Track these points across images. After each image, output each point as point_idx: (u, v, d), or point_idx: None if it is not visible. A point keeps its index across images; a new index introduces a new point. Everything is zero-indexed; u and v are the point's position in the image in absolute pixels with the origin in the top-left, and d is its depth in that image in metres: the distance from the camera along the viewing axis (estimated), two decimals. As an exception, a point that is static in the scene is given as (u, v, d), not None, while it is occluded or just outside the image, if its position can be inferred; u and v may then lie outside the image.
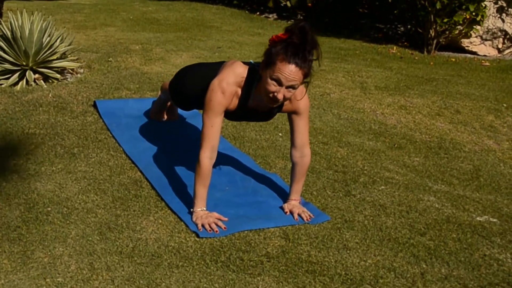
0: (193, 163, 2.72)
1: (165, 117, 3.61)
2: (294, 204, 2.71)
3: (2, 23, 4.32)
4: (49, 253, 2.15)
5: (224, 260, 2.22)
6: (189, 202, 2.60)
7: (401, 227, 2.63)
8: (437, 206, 2.90)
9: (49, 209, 2.48)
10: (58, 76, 4.42)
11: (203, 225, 2.44)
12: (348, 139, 3.76)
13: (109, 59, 5.17)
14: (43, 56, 4.30)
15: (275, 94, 2.31)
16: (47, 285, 1.96)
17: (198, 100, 2.66)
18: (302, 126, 2.62)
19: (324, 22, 8.33)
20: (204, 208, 2.53)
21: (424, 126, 4.15)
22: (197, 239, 2.37)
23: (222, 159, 3.21)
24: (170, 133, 3.46)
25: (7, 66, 4.21)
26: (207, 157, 2.48)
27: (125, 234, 2.34)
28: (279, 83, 2.28)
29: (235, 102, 2.50)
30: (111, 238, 2.30)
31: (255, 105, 2.52)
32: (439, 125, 4.19)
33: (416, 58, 6.58)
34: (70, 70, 4.74)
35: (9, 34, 4.20)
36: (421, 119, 4.28)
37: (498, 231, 2.69)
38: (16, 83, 4.23)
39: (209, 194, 2.70)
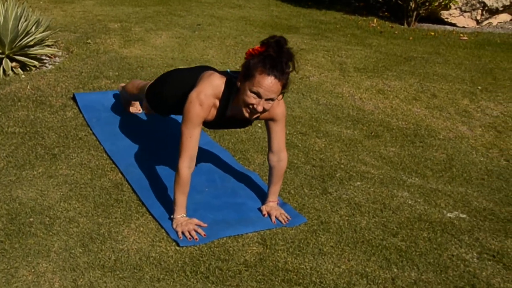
0: (174, 162, 2.78)
1: (140, 109, 3.63)
2: (272, 206, 2.79)
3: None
4: (32, 270, 2.21)
5: (203, 270, 2.30)
6: (170, 206, 2.66)
7: (375, 227, 2.73)
8: (410, 202, 2.99)
9: (31, 219, 2.53)
10: (36, 63, 4.40)
11: (183, 233, 2.51)
12: (326, 128, 3.82)
13: (88, 41, 5.13)
14: (19, 43, 4.26)
15: (255, 106, 2.35)
16: (32, 306, 2.04)
17: (176, 107, 2.70)
18: (279, 132, 2.68)
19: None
20: (184, 215, 2.60)
21: (401, 112, 4.23)
22: (178, 248, 2.45)
23: (202, 155, 3.26)
24: (151, 128, 3.49)
25: (-17, 55, 4.17)
26: (186, 166, 2.54)
27: (107, 245, 2.41)
28: (259, 95, 2.32)
29: (213, 113, 2.54)
30: (94, 250, 2.37)
31: (232, 114, 2.57)
32: (415, 111, 4.27)
33: (396, 32, 6.60)
34: (49, 55, 4.70)
35: (-15, 22, 4.14)
36: (398, 104, 4.35)
37: (467, 228, 2.80)
38: (-6, 71, 4.20)
39: (189, 196, 2.77)
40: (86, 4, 6.87)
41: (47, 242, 2.39)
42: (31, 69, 4.38)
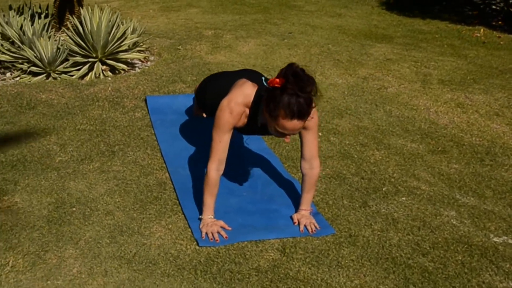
0: (224, 171, 2.90)
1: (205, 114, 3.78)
2: (303, 214, 2.80)
3: (74, 19, 4.67)
4: (59, 254, 2.42)
5: (214, 271, 2.37)
6: (202, 208, 2.76)
7: (406, 245, 2.64)
8: (454, 222, 2.85)
9: (73, 209, 2.76)
10: (124, 67, 4.72)
11: (206, 233, 2.61)
12: (389, 141, 3.73)
13: (179, 47, 5.41)
14: (110, 48, 4.60)
15: (283, 138, 2.43)
16: (47, 287, 2.23)
17: (214, 110, 2.81)
18: (310, 140, 2.68)
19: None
20: (212, 216, 2.69)
21: (477, 128, 4.01)
22: (197, 247, 2.54)
23: (252, 161, 3.35)
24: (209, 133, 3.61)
25: (78, 58, 4.56)
26: (214, 169, 2.63)
27: (133, 239, 2.56)
28: (284, 134, 2.38)
29: (244, 121, 2.61)
30: (119, 242, 2.54)
31: (264, 123, 2.61)
32: (494, 127, 4.02)
33: (502, 43, 6.22)
34: (141, 59, 5.03)
35: (80, 29, 4.53)
36: (476, 119, 4.13)
37: (510, 256, 2.61)
38: (86, 74, 4.58)
39: (225, 199, 2.88)
40: (191, 12, 7.22)
41: (81, 231, 2.59)
42: (119, 72, 4.71)
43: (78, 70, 4.56)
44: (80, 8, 4.78)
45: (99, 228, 2.63)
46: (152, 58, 5.22)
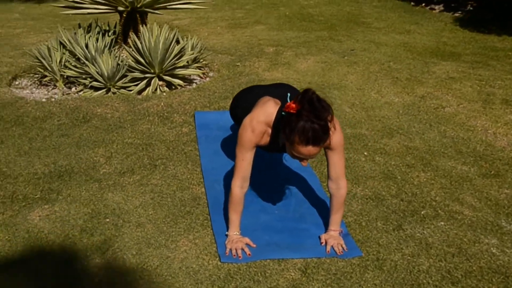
0: (259, 188, 3.04)
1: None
2: (331, 235, 2.75)
3: (134, 36, 4.85)
4: (85, 263, 2.51)
5: (230, 288, 2.38)
6: None
7: (436, 272, 2.53)
8: (493, 251, 2.70)
9: (107, 220, 2.85)
10: (180, 82, 4.84)
11: (230, 250, 2.62)
12: (439, 163, 3.59)
13: (237, 64, 5.48)
14: (167, 64, 4.74)
15: (300, 162, 2.44)
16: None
17: None
18: (336, 160, 2.64)
19: (492, 15, 7.69)
20: (237, 233, 2.70)
21: (537, 151, 3.78)
22: (219, 263, 2.55)
23: (291, 179, 3.34)
24: (268, 160, 3.64)
25: (136, 74, 4.73)
26: (238, 186, 2.64)
27: (158, 251, 2.61)
28: (301, 158, 2.38)
29: (266, 139, 2.61)
30: (145, 254, 2.59)
31: (284, 143, 2.60)
32: (556, 151, 3.78)
33: None
34: (200, 75, 5.14)
35: (139, 45, 4.70)
36: (537, 141, 3.89)
37: (551, 290, 2.44)
38: (144, 90, 4.73)
39: (255, 216, 2.89)
40: (256, 29, 7.30)
41: (110, 242, 2.67)
42: (176, 88, 4.84)
43: (136, 85, 4.72)
44: (141, 26, 4.96)
45: (128, 240, 2.70)
46: (211, 74, 5.32)
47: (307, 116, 2.23)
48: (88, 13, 5.08)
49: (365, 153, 3.68)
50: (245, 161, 2.60)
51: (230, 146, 3.66)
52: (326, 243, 2.71)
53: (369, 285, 2.42)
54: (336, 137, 2.58)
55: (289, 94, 2.61)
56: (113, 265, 2.50)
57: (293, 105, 2.28)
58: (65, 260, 2.53)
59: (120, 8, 5.01)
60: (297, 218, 2.94)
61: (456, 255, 2.65)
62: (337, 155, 2.63)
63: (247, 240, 2.69)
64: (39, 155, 3.53)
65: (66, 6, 5.13)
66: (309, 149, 2.29)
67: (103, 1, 5.01)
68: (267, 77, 5.04)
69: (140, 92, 4.68)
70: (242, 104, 2.96)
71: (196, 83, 5.01)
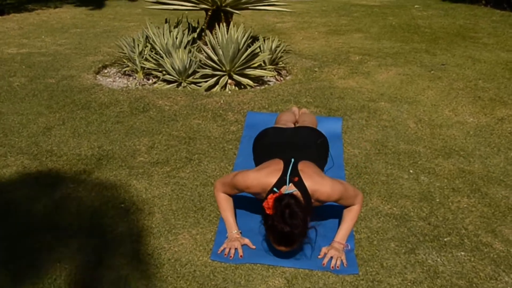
0: None
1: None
2: (334, 247, 2.64)
3: (208, 34, 4.96)
4: (84, 242, 2.61)
5: (206, 286, 2.36)
6: (241, 224, 2.78)
7: (432, 304, 2.33)
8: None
9: (122, 205, 2.95)
10: (250, 83, 4.87)
11: (225, 248, 2.61)
12: (489, 190, 3.30)
13: (315, 69, 5.41)
14: (238, 64, 4.79)
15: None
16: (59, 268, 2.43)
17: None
18: (345, 202, 2.68)
19: None
20: (236, 231, 2.70)
21: None
22: (209, 260, 2.54)
23: None
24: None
25: (207, 71, 4.84)
26: (219, 190, 2.73)
27: (157, 241, 2.66)
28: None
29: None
30: (142, 242, 2.65)
31: None
32: None
33: None
34: (276, 77, 5.15)
35: (214, 43, 4.81)
36: None
37: None
38: (213, 87, 4.83)
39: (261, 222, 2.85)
40: (353, 37, 7.14)
41: (114, 225, 2.77)
42: (245, 87, 4.87)
43: (206, 81, 4.82)
44: (221, 24, 5.06)
45: (133, 226, 2.77)
46: (288, 77, 5.30)
47: (277, 222, 2.34)
48: (174, 9, 5.27)
49: (411, 171, 3.47)
50: (231, 191, 2.74)
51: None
52: (325, 255, 2.60)
53: (351, 306, 2.28)
54: (333, 197, 2.63)
55: (292, 161, 2.60)
56: (109, 247, 2.58)
57: (270, 206, 2.37)
58: (60, 236, 2.64)
59: (203, 6, 5.14)
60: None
61: (463, 287, 2.41)
62: (343, 201, 2.66)
63: (246, 241, 2.66)
64: (89, 139, 3.73)
65: (156, 2, 5.36)
66: (282, 248, 2.43)
67: (189, -1, 5.17)
68: (339, 85, 4.92)
69: (209, 89, 4.77)
70: (255, 150, 3.20)
71: (269, 84, 5.02)
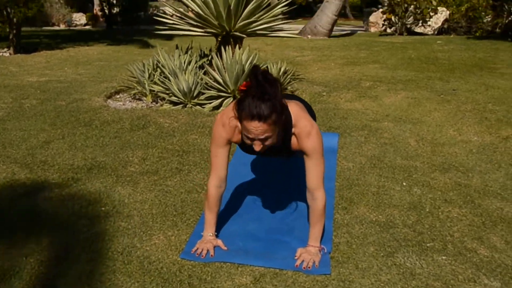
0: (260, 198, 3.08)
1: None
2: (308, 249, 2.56)
3: (214, 56, 5.03)
4: (58, 240, 2.62)
5: (171, 282, 2.32)
6: (220, 227, 2.74)
7: (402, 305, 2.23)
8: (488, 295, 2.31)
9: (102, 208, 2.95)
10: (254, 104, 4.88)
11: (197, 248, 2.57)
12: (484, 202, 3.19)
13: (324, 94, 5.41)
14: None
15: (254, 147, 2.33)
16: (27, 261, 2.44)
17: None
18: (312, 168, 2.48)
19: None
20: (212, 234, 2.64)
21: None
22: (178, 259, 2.51)
23: (293, 191, 3.20)
24: (278, 168, 3.56)
25: (212, 92, 4.89)
26: (214, 185, 2.59)
27: (129, 240, 2.63)
28: (251, 138, 2.30)
29: (238, 136, 2.55)
30: (115, 241, 2.63)
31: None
32: None
33: None
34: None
35: (219, 65, 4.87)
36: None
37: None
38: (217, 108, 4.87)
39: (244, 224, 2.82)
40: (369, 67, 7.14)
41: (91, 226, 2.76)
42: (249, 109, 4.88)
43: (211, 103, 4.86)
44: (227, 47, 5.12)
45: (108, 227, 2.77)
46: (295, 102, 5.29)
47: (253, 91, 2.21)
48: (183, 35, 5.38)
49: (404, 183, 3.39)
50: (218, 157, 2.55)
51: (260, 163, 3.61)
52: (300, 257, 2.53)
53: (316, 303, 2.20)
54: (311, 141, 2.45)
55: None
56: (79, 245, 2.57)
57: (244, 83, 2.27)
58: (33, 234, 2.65)
59: (212, 31, 5.24)
60: (285, 231, 2.80)
61: (438, 291, 2.31)
62: (312, 162, 2.48)
63: (219, 242, 2.61)
64: (85, 151, 3.78)
65: (167, 28, 5.49)
66: (255, 125, 2.22)
67: (199, 24, 5.28)
68: (343, 107, 4.90)
69: (213, 110, 4.81)
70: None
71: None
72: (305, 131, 2.43)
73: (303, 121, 2.45)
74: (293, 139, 2.49)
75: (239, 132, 2.52)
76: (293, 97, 3.04)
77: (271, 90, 2.20)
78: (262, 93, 2.19)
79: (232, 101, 4.05)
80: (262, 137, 2.26)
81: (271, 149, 2.48)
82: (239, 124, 2.47)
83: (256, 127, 2.23)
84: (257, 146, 2.30)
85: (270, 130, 2.25)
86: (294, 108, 2.46)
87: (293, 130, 2.45)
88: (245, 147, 2.59)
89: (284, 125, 2.40)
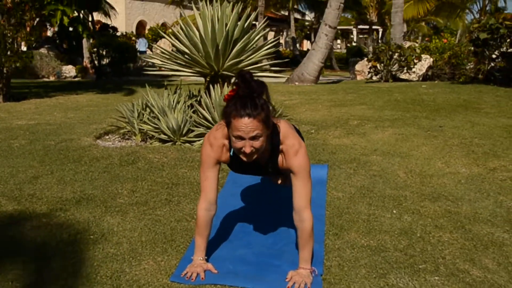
0: (250, 222, 3.07)
1: (279, 181, 3.71)
2: (299, 272, 2.53)
3: (203, 94, 5.09)
4: (47, 267, 2.57)
5: (161, 304, 2.28)
6: (210, 251, 2.72)
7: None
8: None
9: (91, 236, 2.92)
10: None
11: (187, 272, 2.53)
12: (474, 227, 3.19)
13: (312, 131, 5.45)
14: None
15: (243, 149, 2.32)
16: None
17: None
18: (298, 187, 2.48)
19: None
20: (202, 258, 2.61)
21: None
22: (168, 282, 2.47)
23: (283, 215, 3.17)
24: (267, 198, 3.55)
25: (201, 130, 4.92)
26: (203, 208, 2.58)
27: (118, 266, 2.59)
28: (241, 138, 2.29)
29: (226, 155, 2.55)
30: (104, 266, 2.58)
31: (235, 148, 2.52)
32: None
33: None
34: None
35: (208, 103, 4.92)
36: None
37: None
38: (207, 145, 4.87)
39: (233, 250, 2.79)
40: (356, 108, 7.24)
41: (82, 254, 2.72)
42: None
43: (200, 140, 4.88)
44: (215, 85, 5.19)
45: (97, 253, 2.73)
46: (284, 140, 5.33)
47: (242, 91, 2.26)
48: (173, 75, 5.46)
49: (394, 211, 3.39)
50: (208, 180, 2.55)
51: (252, 190, 3.61)
52: (291, 280, 2.50)
53: (309, 321, 2.16)
54: (298, 159, 2.46)
55: None
56: (66, 270, 2.53)
57: (231, 92, 2.32)
58: (20, 261, 2.61)
59: (200, 70, 5.32)
60: (275, 255, 2.77)
61: (432, 309, 2.28)
62: (299, 181, 2.48)
63: (209, 266, 2.58)
64: (74, 185, 3.76)
65: (157, 70, 5.57)
66: (246, 121, 2.23)
67: (187, 64, 5.35)
68: (331, 142, 4.93)
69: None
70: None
71: (263, 145, 5.04)
72: (293, 149, 2.45)
73: (291, 139, 2.47)
74: (280, 157, 2.50)
75: (227, 150, 2.53)
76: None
77: (259, 90, 2.26)
78: (250, 92, 2.24)
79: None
80: (253, 134, 2.26)
81: (258, 164, 2.49)
82: (226, 142, 2.50)
83: (246, 124, 2.24)
84: (248, 148, 2.28)
85: (259, 128, 2.27)
86: (282, 125, 2.48)
87: (281, 147, 2.46)
88: (234, 164, 2.60)
89: (271, 138, 2.41)
